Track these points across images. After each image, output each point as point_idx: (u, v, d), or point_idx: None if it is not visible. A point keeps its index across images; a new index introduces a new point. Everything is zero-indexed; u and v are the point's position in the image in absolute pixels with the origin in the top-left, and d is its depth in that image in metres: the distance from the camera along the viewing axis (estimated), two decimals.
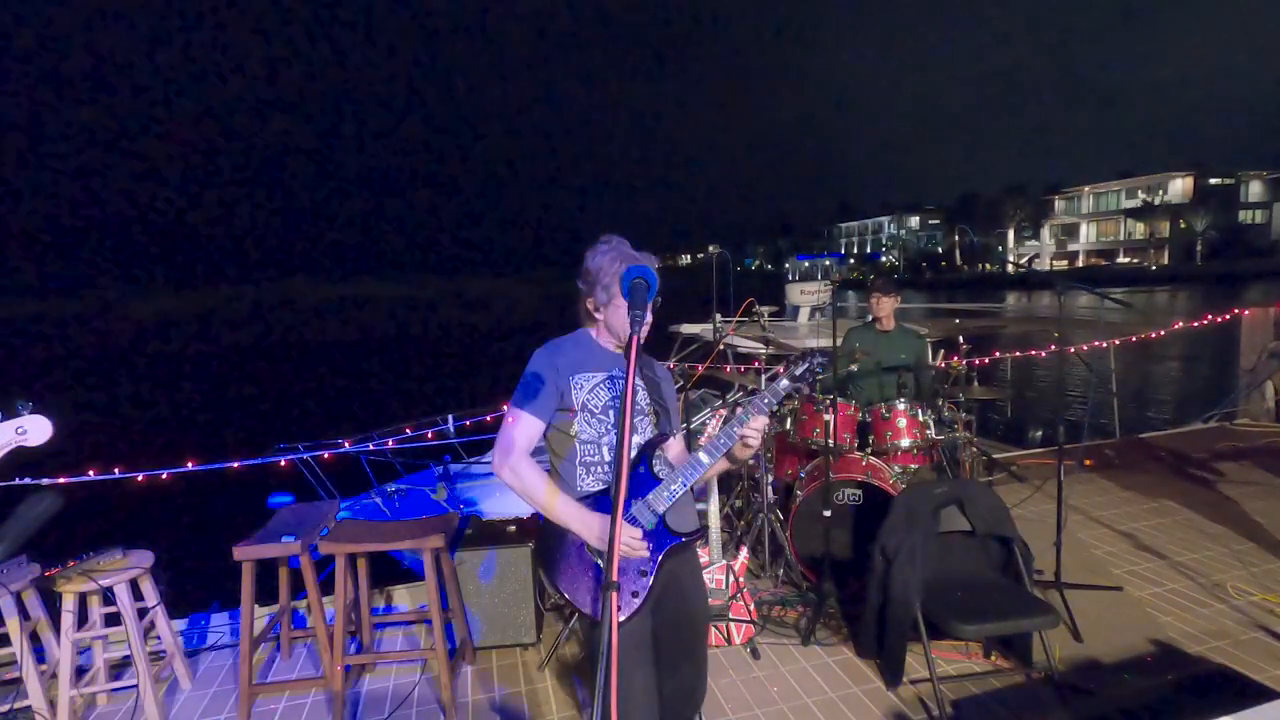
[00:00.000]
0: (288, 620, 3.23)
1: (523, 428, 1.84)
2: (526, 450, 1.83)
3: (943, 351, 4.59)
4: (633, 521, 1.82)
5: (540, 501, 1.81)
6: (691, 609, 1.99)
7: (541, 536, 1.92)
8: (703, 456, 1.84)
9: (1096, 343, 7.08)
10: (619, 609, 1.81)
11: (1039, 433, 8.79)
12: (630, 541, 1.78)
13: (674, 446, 2.02)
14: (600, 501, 1.84)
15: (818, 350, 1.93)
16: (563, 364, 1.89)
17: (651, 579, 1.81)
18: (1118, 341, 7.55)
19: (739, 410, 1.90)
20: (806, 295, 15.06)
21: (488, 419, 5.68)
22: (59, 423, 1.50)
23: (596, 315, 1.93)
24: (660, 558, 1.83)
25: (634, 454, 1.87)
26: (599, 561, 1.81)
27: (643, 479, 1.85)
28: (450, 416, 5.76)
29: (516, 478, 1.80)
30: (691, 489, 1.89)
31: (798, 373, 1.90)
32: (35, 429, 1.41)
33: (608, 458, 1.88)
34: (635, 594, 1.80)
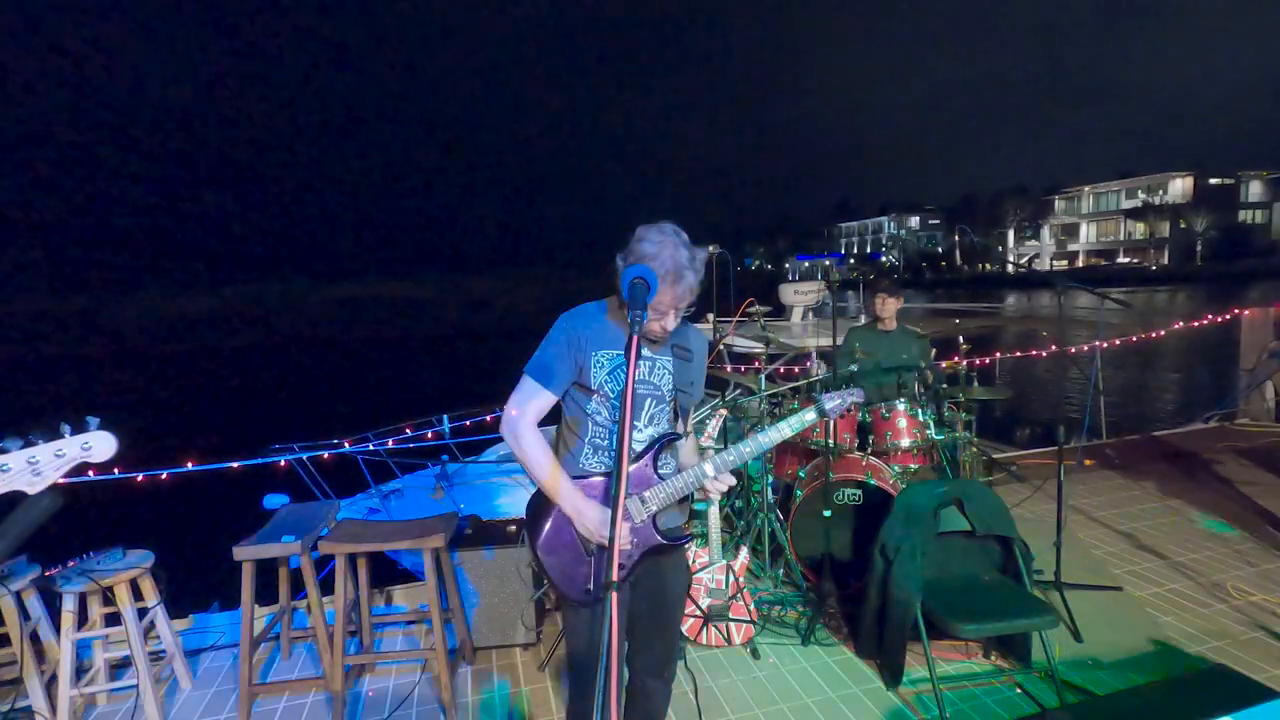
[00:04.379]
0: (288, 620, 3.22)
1: (532, 398, 1.82)
2: (534, 420, 1.82)
3: (934, 351, 4.59)
4: (624, 515, 1.81)
5: (538, 475, 1.80)
6: (668, 590, 1.96)
7: (533, 500, 1.89)
8: (708, 468, 1.82)
9: (1098, 343, 7.07)
10: (590, 589, 1.80)
11: (1028, 431, 8.79)
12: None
13: (685, 445, 1.99)
14: (596, 486, 1.82)
15: (854, 391, 1.91)
16: (586, 336, 1.81)
17: (626, 572, 1.82)
18: (1117, 342, 7.53)
19: (799, 408, 1.88)
20: (800, 295, 15.10)
21: (487, 419, 5.68)
22: (120, 437, 1.50)
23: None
24: (639, 555, 1.82)
25: (643, 445, 1.84)
26: (581, 543, 1.81)
27: (645, 474, 1.83)
28: (445, 417, 5.76)
29: (518, 447, 1.80)
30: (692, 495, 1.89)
31: (827, 408, 1.87)
32: (100, 445, 1.41)
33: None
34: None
